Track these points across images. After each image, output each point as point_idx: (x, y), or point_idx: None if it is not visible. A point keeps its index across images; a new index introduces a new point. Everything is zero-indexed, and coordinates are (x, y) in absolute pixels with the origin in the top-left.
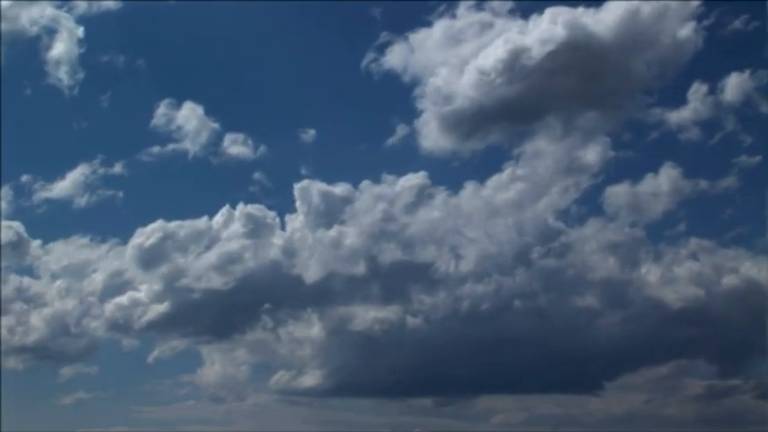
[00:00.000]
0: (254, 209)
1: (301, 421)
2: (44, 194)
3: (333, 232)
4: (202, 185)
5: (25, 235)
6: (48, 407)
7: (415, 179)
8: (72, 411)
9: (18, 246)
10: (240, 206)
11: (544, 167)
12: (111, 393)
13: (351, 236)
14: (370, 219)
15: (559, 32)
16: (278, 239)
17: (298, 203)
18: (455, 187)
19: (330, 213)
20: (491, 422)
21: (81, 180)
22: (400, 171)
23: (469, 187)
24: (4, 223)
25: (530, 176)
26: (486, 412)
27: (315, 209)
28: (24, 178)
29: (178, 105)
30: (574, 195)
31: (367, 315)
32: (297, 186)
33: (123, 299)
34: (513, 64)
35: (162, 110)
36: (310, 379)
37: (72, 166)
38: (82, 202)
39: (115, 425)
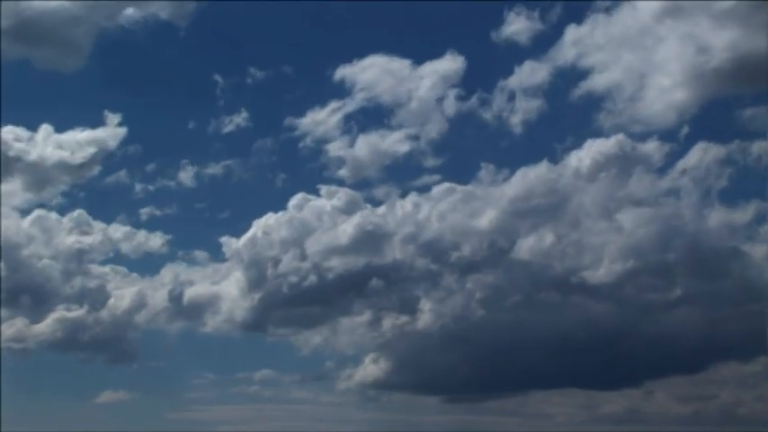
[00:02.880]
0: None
1: (344, 422)
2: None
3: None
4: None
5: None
6: (87, 406)
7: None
8: (107, 411)
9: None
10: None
11: None
12: (153, 393)
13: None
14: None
15: None
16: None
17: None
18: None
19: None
20: (556, 421)
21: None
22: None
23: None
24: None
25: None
26: (547, 408)
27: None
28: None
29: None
30: None
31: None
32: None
33: (207, 290)
34: None
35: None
36: (365, 375)
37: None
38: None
39: (147, 426)
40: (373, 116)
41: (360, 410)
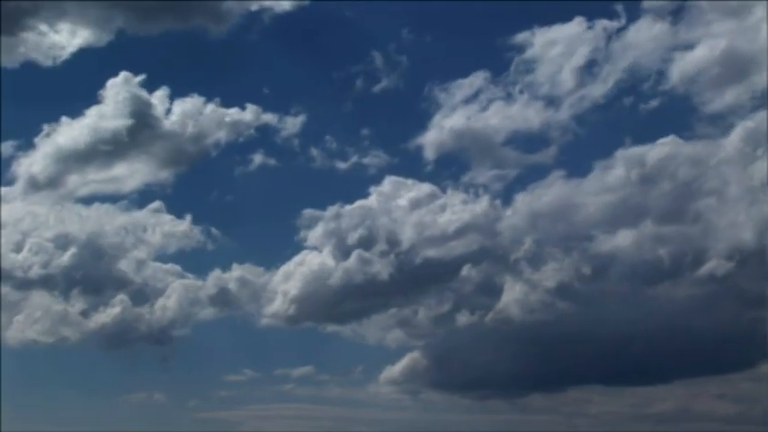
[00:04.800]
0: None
1: (371, 422)
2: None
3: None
4: None
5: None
6: (114, 404)
7: None
8: (133, 410)
9: None
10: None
11: None
12: (185, 392)
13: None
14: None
15: None
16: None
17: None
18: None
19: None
20: (602, 419)
21: None
22: None
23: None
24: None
25: None
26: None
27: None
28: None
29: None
30: None
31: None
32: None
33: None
34: None
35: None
36: (402, 373)
37: None
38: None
39: (169, 426)
40: (526, 88)
41: (391, 410)
